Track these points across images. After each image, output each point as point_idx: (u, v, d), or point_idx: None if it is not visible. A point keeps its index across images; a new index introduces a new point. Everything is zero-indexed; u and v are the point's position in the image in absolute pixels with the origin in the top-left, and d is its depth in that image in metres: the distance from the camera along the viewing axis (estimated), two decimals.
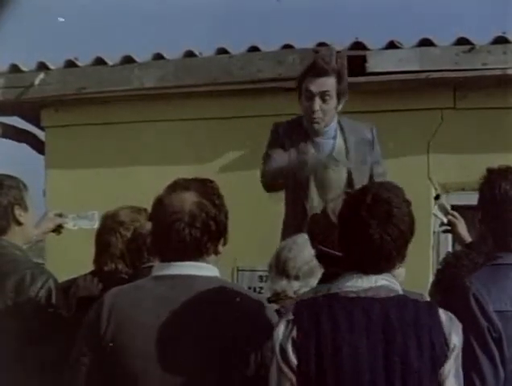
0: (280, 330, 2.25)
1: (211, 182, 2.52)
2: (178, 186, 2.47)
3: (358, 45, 5.63)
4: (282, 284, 3.02)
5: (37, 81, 6.12)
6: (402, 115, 5.58)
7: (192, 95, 5.92)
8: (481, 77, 5.39)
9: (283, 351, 2.22)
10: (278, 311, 2.66)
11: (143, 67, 6.02)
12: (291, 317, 2.26)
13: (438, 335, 2.23)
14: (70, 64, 6.20)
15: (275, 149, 4.05)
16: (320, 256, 2.70)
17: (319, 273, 2.79)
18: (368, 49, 5.60)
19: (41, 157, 6.55)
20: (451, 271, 3.16)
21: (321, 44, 5.70)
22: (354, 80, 5.32)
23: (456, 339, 2.25)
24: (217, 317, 2.37)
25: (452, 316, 2.29)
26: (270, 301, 2.86)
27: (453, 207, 3.91)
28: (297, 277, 3.00)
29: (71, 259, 4.85)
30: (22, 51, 7.04)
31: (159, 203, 2.46)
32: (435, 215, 3.84)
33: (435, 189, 5.47)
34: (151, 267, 2.60)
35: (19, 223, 3.29)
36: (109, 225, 3.44)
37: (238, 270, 5.70)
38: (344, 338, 2.20)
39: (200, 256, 2.43)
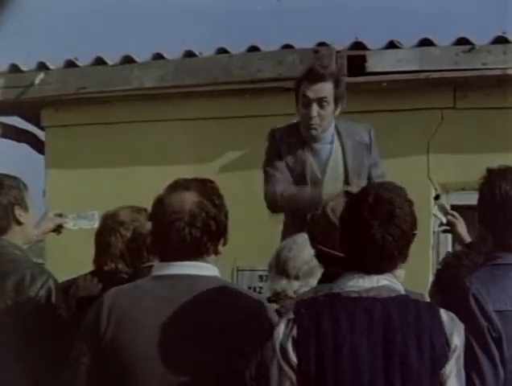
0: (280, 329, 2.25)
1: (211, 182, 2.53)
2: (178, 186, 2.47)
3: (358, 45, 5.63)
4: (282, 284, 3.02)
5: (37, 81, 6.12)
6: (402, 115, 5.57)
7: (191, 95, 5.91)
8: (480, 77, 5.39)
9: (284, 349, 2.23)
10: (278, 311, 2.66)
11: (143, 67, 6.02)
12: (291, 316, 2.26)
13: (439, 336, 2.23)
14: (70, 64, 6.19)
15: (276, 163, 4.02)
16: (320, 256, 2.69)
17: (319, 272, 2.79)
18: (368, 49, 5.59)
19: (41, 157, 6.54)
20: (451, 271, 3.16)
21: (321, 44, 5.70)
22: (354, 79, 5.32)
23: (457, 340, 2.25)
24: (217, 316, 2.37)
25: (454, 317, 2.29)
26: (270, 300, 2.85)
27: (453, 207, 3.92)
28: (297, 277, 3.00)
29: (71, 259, 4.86)
30: (22, 51, 7.04)
31: (159, 202, 2.46)
32: (435, 215, 3.84)
33: (435, 189, 5.46)
34: (151, 267, 2.61)
35: (19, 223, 3.29)
36: (109, 225, 3.44)
37: (238, 270, 5.70)
38: (344, 338, 2.20)
39: (200, 256, 2.44)
